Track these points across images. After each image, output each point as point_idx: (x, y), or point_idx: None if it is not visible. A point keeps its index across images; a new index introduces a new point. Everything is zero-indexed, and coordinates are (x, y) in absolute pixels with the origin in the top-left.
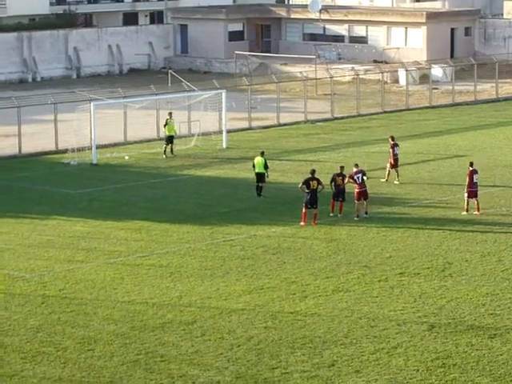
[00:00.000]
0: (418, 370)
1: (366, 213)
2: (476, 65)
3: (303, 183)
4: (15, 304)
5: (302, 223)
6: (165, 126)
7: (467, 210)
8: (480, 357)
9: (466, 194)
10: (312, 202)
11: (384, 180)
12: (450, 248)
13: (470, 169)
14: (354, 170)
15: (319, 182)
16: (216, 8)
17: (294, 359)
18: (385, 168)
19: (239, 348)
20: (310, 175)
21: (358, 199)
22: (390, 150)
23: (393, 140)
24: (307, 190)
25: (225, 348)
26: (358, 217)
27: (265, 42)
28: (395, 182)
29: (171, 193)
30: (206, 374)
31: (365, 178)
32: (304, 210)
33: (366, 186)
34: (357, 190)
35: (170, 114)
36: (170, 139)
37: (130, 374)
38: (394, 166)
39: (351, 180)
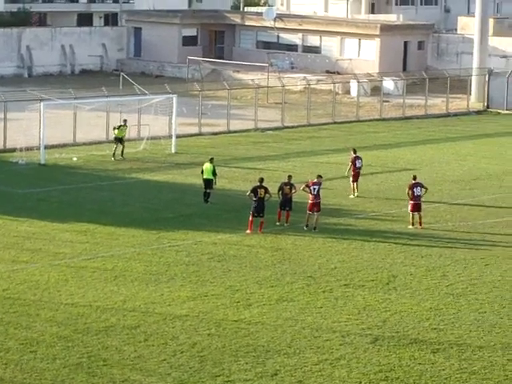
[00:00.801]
0: (360, 383)
1: (315, 228)
2: (428, 79)
3: (251, 191)
4: None
5: (248, 231)
6: (115, 128)
7: (413, 224)
8: (423, 371)
9: (409, 208)
10: (259, 210)
11: (352, 196)
12: (395, 261)
13: (412, 182)
14: (315, 180)
15: (267, 191)
16: (171, 12)
17: (236, 367)
18: (336, 178)
19: (182, 354)
20: (258, 183)
21: (310, 210)
22: (350, 164)
23: (355, 153)
24: (255, 198)
25: (168, 354)
26: (307, 226)
27: (218, 48)
28: (351, 197)
29: (118, 196)
30: (149, 379)
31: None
32: (251, 218)
33: (320, 199)
34: (310, 201)
35: (125, 121)
36: (119, 140)
37: (72, 377)
38: (355, 180)
39: (307, 189)
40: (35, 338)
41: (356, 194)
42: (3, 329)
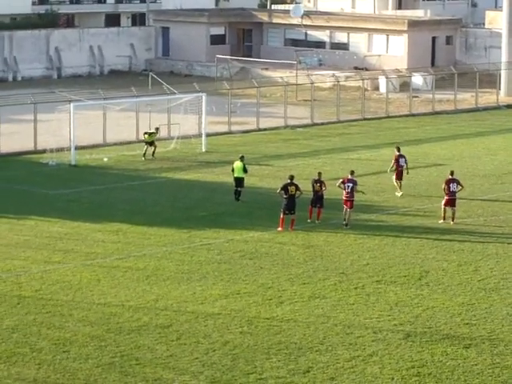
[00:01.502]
0: (393, 379)
1: (347, 224)
2: (456, 74)
3: (281, 188)
4: None
5: (279, 229)
6: (145, 133)
7: (444, 219)
8: (455, 366)
9: (443, 202)
10: (290, 208)
11: (400, 194)
12: (426, 257)
13: (449, 177)
14: (348, 176)
15: (297, 188)
16: (198, 11)
17: (269, 365)
18: (367, 175)
19: (214, 353)
20: (289, 181)
21: (345, 205)
22: (393, 162)
23: (398, 151)
24: (285, 196)
25: (200, 352)
26: (344, 220)
27: (246, 47)
28: (397, 194)
29: (149, 195)
30: (181, 378)
31: (355, 188)
32: (282, 216)
33: (353, 197)
34: (344, 198)
35: (157, 129)
36: (150, 143)
37: (104, 377)
38: (399, 178)
39: (342, 185)
40: (68, 338)
41: (401, 193)
42: (36, 329)
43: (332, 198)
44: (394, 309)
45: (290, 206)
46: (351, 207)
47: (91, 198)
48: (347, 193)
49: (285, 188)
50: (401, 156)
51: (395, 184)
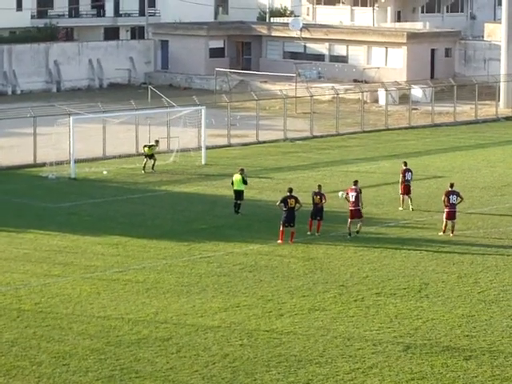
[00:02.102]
0: None
1: (358, 232)
2: (456, 86)
3: (281, 201)
4: None
5: (279, 241)
6: (145, 146)
7: (444, 231)
8: (455, 378)
9: (444, 215)
10: (289, 220)
11: (401, 209)
12: (426, 269)
13: (449, 189)
14: (352, 186)
15: (297, 201)
16: (197, 24)
17: (269, 377)
18: (366, 187)
19: (214, 365)
20: (288, 193)
21: (351, 217)
22: (401, 176)
23: (405, 165)
24: (285, 208)
25: (200, 365)
26: (350, 235)
27: (245, 60)
28: (400, 209)
29: (149, 208)
30: None
31: (360, 197)
32: (281, 228)
33: (359, 206)
34: (350, 208)
35: (157, 141)
36: (150, 156)
37: None
38: (406, 192)
39: (348, 196)
40: (68, 351)
41: (411, 208)
42: (36, 343)
43: (332, 210)
44: (393, 321)
45: (290, 218)
46: (360, 217)
47: (91, 211)
48: (352, 202)
49: (284, 201)
50: (407, 170)
51: (402, 198)
